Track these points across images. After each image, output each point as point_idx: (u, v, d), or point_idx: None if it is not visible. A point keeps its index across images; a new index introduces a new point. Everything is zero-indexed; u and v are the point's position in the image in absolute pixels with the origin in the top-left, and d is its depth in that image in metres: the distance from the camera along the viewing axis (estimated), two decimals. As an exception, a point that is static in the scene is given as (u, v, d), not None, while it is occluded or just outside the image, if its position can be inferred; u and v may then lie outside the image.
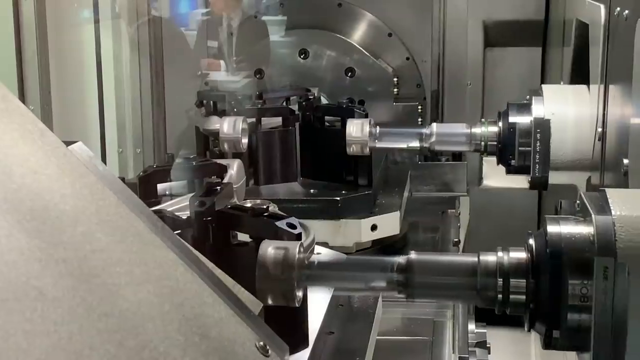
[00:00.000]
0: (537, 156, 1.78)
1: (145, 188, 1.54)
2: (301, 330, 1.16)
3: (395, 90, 2.75)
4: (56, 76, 2.47)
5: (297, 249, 1.05)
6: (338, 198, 1.99)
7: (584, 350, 0.96)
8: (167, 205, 1.38)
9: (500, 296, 1.02)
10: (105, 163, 2.37)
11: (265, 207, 1.16)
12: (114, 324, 0.70)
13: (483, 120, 1.96)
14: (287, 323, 1.05)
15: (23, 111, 0.81)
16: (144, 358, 0.71)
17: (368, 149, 2.02)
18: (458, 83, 2.78)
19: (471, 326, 1.77)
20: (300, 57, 2.74)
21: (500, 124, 1.89)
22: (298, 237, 1.10)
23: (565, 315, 0.96)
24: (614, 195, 0.98)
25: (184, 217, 1.20)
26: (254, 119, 2.12)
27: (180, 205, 1.33)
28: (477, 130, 1.95)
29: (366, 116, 2.08)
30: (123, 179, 1.43)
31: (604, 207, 0.96)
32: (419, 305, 1.74)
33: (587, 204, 0.98)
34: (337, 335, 1.32)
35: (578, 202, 1.02)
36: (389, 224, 2.02)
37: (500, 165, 1.92)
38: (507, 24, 2.81)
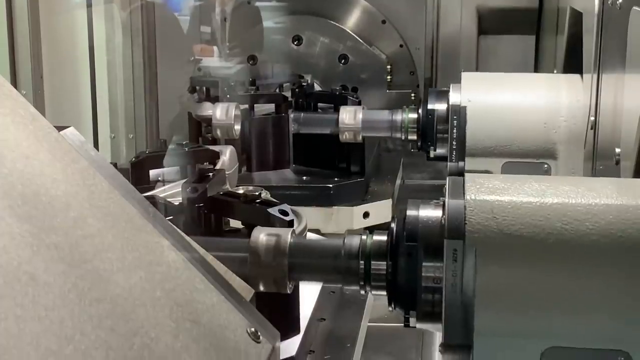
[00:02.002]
0: (454, 143, 1.78)
1: (138, 174, 1.54)
2: (292, 317, 1.16)
3: (389, 77, 2.75)
4: (48, 61, 2.46)
5: (289, 236, 1.05)
6: (330, 185, 1.99)
7: (440, 329, 0.97)
8: (159, 191, 1.38)
9: (362, 278, 1.05)
10: (97, 148, 2.37)
11: (257, 194, 1.16)
12: (105, 310, 0.70)
13: (405, 107, 1.97)
14: (278, 309, 1.06)
15: (15, 96, 0.81)
16: (135, 343, 0.71)
17: (361, 137, 2.02)
18: (451, 71, 2.78)
19: None
20: (293, 43, 2.74)
21: (420, 110, 1.89)
22: (290, 224, 1.10)
23: (420, 297, 0.99)
24: (471, 179, 1.00)
25: (176, 203, 1.20)
26: (247, 106, 2.12)
27: (173, 192, 1.33)
28: (398, 117, 1.94)
29: (359, 103, 2.08)
30: (115, 165, 1.43)
31: (460, 192, 0.98)
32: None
33: (447, 188, 0.99)
34: (328, 321, 1.33)
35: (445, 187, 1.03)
36: (381, 211, 2.02)
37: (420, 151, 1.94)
38: (501, 11, 2.80)
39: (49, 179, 0.75)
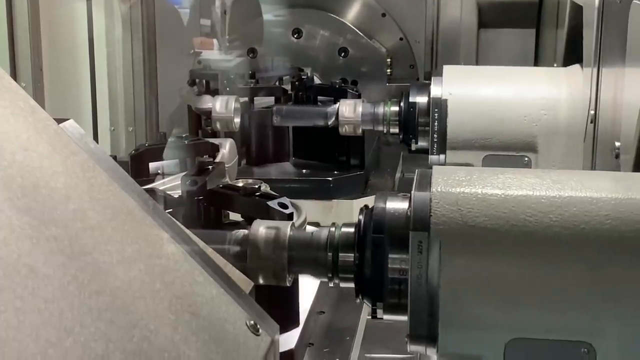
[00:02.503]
0: (435, 136, 1.78)
1: (137, 166, 1.54)
2: (292, 310, 1.16)
3: (389, 70, 2.75)
4: (48, 54, 2.46)
5: (289, 229, 1.05)
6: (330, 178, 1.99)
7: (406, 321, 0.98)
8: (159, 184, 1.38)
9: (330, 269, 1.06)
10: (97, 141, 2.37)
11: (257, 186, 1.16)
12: (105, 302, 0.70)
13: (387, 100, 1.97)
14: (278, 302, 1.06)
15: (14, 88, 0.81)
16: (135, 336, 0.71)
17: (360, 130, 2.02)
18: (451, 64, 2.78)
19: None
20: (293, 36, 2.73)
21: (402, 103, 1.89)
22: (290, 217, 1.10)
23: (387, 289, 0.99)
24: (438, 171, 1.01)
25: (176, 195, 1.20)
26: (246, 99, 2.12)
27: (172, 184, 1.33)
28: (380, 109, 1.95)
29: (359, 97, 2.08)
30: (115, 157, 1.43)
31: (427, 184, 0.98)
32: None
33: (414, 181, 1.00)
34: (328, 314, 1.33)
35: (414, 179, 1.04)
36: (380, 204, 2.02)
37: (402, 144, 1.95)
38: (501, 5, 2.80)
39: (48, 172, 0.75)
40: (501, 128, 1.77)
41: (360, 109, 2.00)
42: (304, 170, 2.09)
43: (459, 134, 1.77)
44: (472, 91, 1.83)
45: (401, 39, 2.76)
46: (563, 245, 0.92)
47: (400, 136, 1.92)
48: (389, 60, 2.74)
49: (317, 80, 2.54)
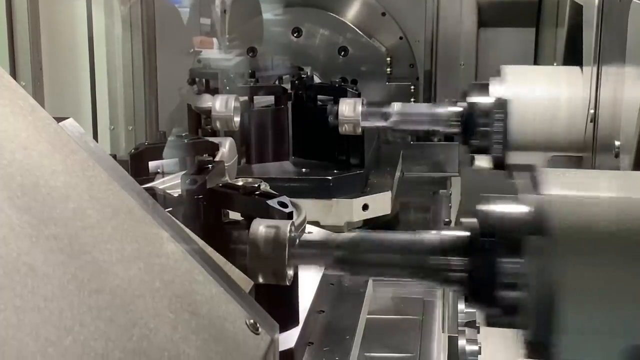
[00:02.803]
0: (496, 136, 1.79)
1: (137, 165, 1.54)
2: (292, 309, 1.16)
3: (389, 70, 2.75)
4: (48, 53, 2.46)
5: (289, 228, 1.05)
6: (330, 177, 1.99)
7: (521, 327, 0.96)
8: (158, 183, 1.38)
9: (440, 274, 1.02)
10: (96, 140, 2.37)
11: (256, 185, 1.16)
12: (105, 301, 0.70)
13: (446, 100, 1.97)
14: (277, 301, 1.06)
15: (14, 87, 0.80)
16: (134, 334, 0.71)
17: (360, 129, 2.02)
18: (451, 63, 2.78)
19: (461, 306, 1.78)
20: (293, 35, 2.73)
21: (463, 104, 1.88)
22: (289, 216, 1.10)
23: (500, 294, 0.96)
24: (548, 174, 0.99)
25: (176, 194, 1.19)
26: (246, 97, 2.12)
27: (172, 183, 1.33)
28: (441, 110, 1.93)
29: (359, 96, 2.08)
30: (115, 156, 1.43)
31: (538, 187, 0.96)
32: (410, 284, 1.74)
33: (524, 184, 0.98)
34: (327, 313, 1.33)
35: (518, 181, 1.02)
36: (380, 203, 2.02)
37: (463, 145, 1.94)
38: (501, 4, 2.80)
39: (48, 170, 0.75)
40: (565, 129, 1.76)
41: (359, 108, 2.00)
42: (303, 169, 2.08)
43: (521, 135, 1.76)
44: (534, 91, 1.83)
45: (401, 38, 2.76)
46: None
47: (460, 136, 1.90)
48: (388, 59, 2.74)
49: (317, 80, 2.54)
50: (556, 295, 0.90)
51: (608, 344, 0.92)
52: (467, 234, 1.00)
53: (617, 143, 1.36)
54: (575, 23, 1.92)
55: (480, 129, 1.82)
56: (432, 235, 1.04)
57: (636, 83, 1.30)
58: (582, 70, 1.82)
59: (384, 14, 2.76)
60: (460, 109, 1.88)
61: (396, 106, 1.97)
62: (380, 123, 2.00)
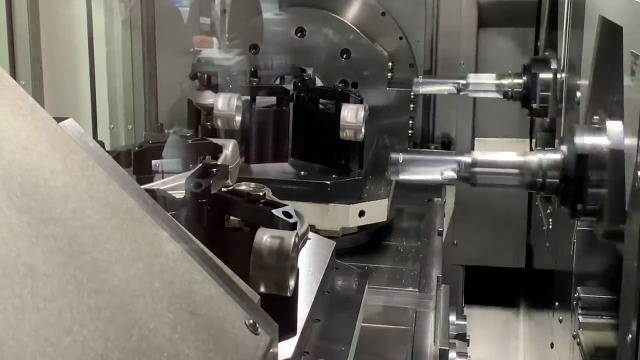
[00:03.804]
0: (553, 101, 2.17)
1: (140, 163, 1.53)
2: (290, 319, 1.16)
3: (389, 75, 2.74)
4: (47, 52, 2.46)
5: (293, 239, 1.05)
6: (328, 182, 1.98)
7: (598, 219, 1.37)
8: (159, 184, 1.38)
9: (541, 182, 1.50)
10: (96, 139, 2.36)
11: (262, 194, 1.15)
12: (104, 301, 0.70)
13: (510, 72, 2.39)
14: (277, 311, 1.05)
15: (13, 86, 0.81)
16: (134, 335, 0.71)
17: (362, 135, 2.02)
18: (451, 63, 2.78)
19: (452, 317, 1.78)
20: (296, 35, 2.73)
21: (525, 76, 2.32)
22: (293, 226, 1.09)
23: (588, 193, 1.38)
24: None
25: (178, 196, 1.19)
26: (248, 97, 2.12)
27: (174, 184, 1.33)
28: (505, 81, 2.37)
29: (361, 101, 2.08)
30: (118, 154, 1.43)
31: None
32: (402, 294, 1.75)
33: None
34: (323, 322, 1.32)
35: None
36: (376, 210, 2.02)
37: (523, 108, 2.39)
38: (500, 3, 2.80)
39: (47, 170, 0.75)
40: None
41: (362, 114, 2.01)
42: (302, 172, 2.08)
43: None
44: None
45: (401, 38, 2.76)
46: None
47: (522, 102, 2.36)
48: (390, 63, 2.73)
49: (318, 82, 2.52)
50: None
51: None
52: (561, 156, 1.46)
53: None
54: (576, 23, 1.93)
55: (540, 94, 2.25)
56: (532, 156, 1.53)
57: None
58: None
59: (383, 14, 2.76)
60: (521, 80, 2.33)
61: (471, 77, 2.43)
62: (452, 90, 2.44)
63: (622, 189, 1.21)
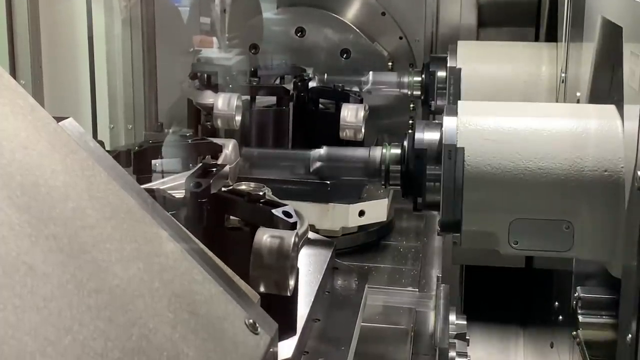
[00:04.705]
0: (451, 98, 2.13)
1: (140, 163, 1.53)
2: (290, 318, 1.16)
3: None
4: (47, 51, 2.46)
5: (293, 239, 1.05)
6: (328, 182, 1.98)
7: (433, 210, 1.44)
8: (159, 183, 1.38)
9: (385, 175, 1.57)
10: (96, 139, 2.36)
11: (261, 193, 1.15)
12: (104, 300, 0.70)
13: (410, 70, 2.48)
14: (277, 311, 1.05)
15: (13, 86, 0.81)
16: (134, 334, 0.71)
17: (362, 135, 2.02)
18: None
19: (452, 317, 1.78)
20: (296, 35, 2.73)
21: (424, 74, 2.39)
22: (293, 226, 1.09)
23: (426, 186, 1.44)
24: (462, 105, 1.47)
25: (177, 196, 1.19)
26: (248, 97, 2.11)
27: (174, 184, 1.33)
28: (405, 79, 2.43)
29: (361, 101, 2.08)
30: (118, 154, 1.43)
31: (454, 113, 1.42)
32: (402, 294, 1.75)
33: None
34: (322, 322, 1.32)
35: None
36: (376, 210, 2.02)
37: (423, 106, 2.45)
38: (500, 3, 2.80)
39: (47, 170, 0.75)
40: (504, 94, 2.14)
41: (362, 114, 2.01)
42: None
43: (470, 97, 2.06)
44: (481, 63, 2.25)
45: (401, 37, 2.76)
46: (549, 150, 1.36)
47: (422, 100, 2.43)
48: (390, 63, 2.73)
49: (318, 82, 2.52)
50: (462, 185, 1.35)
51: (499, 218, 1.37)
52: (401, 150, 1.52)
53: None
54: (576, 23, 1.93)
55: (437, 92, 2.30)
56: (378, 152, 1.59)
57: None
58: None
59: (383, 14, 2.76)
60: (420, 78, 2.40)
61: (371, 75, 2.45)
62: (355, 88, 2.38)
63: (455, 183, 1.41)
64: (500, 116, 1.43)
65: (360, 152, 1.71)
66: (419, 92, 2.42)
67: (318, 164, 1.75)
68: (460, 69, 2.16)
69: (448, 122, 1.40)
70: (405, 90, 2.43)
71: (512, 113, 1.45)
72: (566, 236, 1.35)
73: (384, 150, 1.64)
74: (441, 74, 2.29)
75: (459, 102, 1.50)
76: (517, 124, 1.40)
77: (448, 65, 2.21)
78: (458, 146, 1.36)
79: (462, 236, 1.39)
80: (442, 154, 1.37)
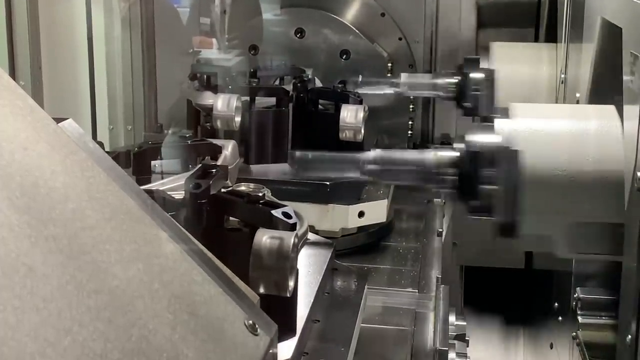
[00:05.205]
0: (485, 100, 2.18)
1: (140, 164, 1.53)
2: (290, 319, 1.15)
3: (389, 75, 2.74)
4: (47, 52, 2.46)
5: (292, 240, 1.04)
6: (327, 182, 1.98)
7: (491, 214, 1.38)
8: (158, 185, 1.38)
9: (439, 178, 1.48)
10: (95, 140, 2.36)
11: (261, 194, 1.15)
12: (104, 302, 0.70)
13: (444, 71, 2.43)
14: (277, 311, 1.05)
15: (13, 87, 0.81)
16: (133, 335, 0.71)
17: (361, 136, 2.02)
18: (450, 64, 2.78)
19: (451, 318, 1.78)
20: (296, 36, 2.73)
21: (458, 76, 2.33)
22: (293, 227, 1.09)
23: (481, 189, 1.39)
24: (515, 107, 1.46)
25: (177, 197, 1.19)
26: (247, 98, 2.11)
27: (173, 185, 1.33)
28: (439, 80, 2.37)
29: (360, 102, 2.08)
30: (117, 155, 1.43)
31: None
32: (402, 295, 1.75)
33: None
34: (322, 323, 1.32)
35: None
36: (376, 211, 2.02)
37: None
38: (500, 4, 2.80)
39: (47, 171, 0.75)
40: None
41: (361, 115, 2.01)
42: None
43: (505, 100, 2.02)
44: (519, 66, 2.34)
45: (400, 38, 2.76)
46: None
47: (456, 101, 2.36)
48: (389, 64, 2.73)
49: (318, 82, 2.52)
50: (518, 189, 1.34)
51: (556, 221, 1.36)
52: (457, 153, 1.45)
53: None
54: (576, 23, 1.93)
55: (471, 93, 2.26)
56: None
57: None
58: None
59: (383, 15, 2.76)
60: (455, 79, 2.33)
61: (403, 77, 2.41)
62: (389, 90, 2.42)
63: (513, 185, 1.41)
64: (553, 118, 1.43)
65: (412, 155, 1.65)
66: (452, 94, 2.38)
67: (370, 166, 1.71)
68: (493, 71, 2.19)
69: (503, 124, 1.40)
70: (440, 92, 2.40)
71: (563, 115, 1.45)
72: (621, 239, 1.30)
73: (437, 153, 1.58)
74: (474, 75, 2.28)
75: (511, 104, 1.48)
76: (570, 125, 1.40)
77: (484, 67, 2.27)
78: (516, 149, 1.35)
79: (520, 240, 1.38)
80: (498, 157, 1.36)
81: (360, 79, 2.47)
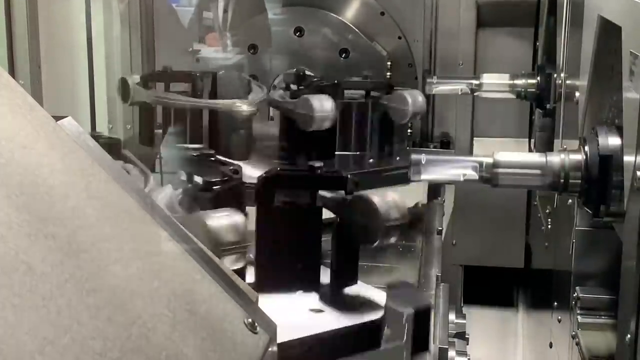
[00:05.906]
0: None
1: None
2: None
3: (388, 74, 2.74)
4: (46, 51, 2.46)
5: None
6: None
7: (617, 218, 1.36)
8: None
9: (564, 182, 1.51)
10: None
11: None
12: (103, 300, 0.70)
13: (523, 72, 2.46)
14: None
15: (12, 85, 0.80)
16: (133, 333, 0.71)
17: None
18: (450, 63, 2.78)
19: (451, 316, 1.78)
20: (295, 35, 2.73)
21: (539, 77, 2.36)
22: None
23: (611, 194, 1.38)
24: None
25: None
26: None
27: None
28: (519, 81, 2.43)
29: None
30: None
31: None
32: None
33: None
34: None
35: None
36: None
37: (538, 108, 2.41)
38: (499, 4, 2.80)
39: (46, 169, 0.75)
40: None
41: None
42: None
43: None
44: None
45: (400, 37, 2.76)
46: None
47: (536, 101, 2.46)
48: (389, 63, 2.73)
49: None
50: None
51: None
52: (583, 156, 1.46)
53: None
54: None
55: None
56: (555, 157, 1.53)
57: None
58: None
59: (382, 14, 2.76)
60: (534, 81, 2.40)
61: (484, 77, 2.50)
62: (466, 90, 2.51)
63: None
64: None
65: (535, 158, 1.61)
66: (532, 95, 2.42)
67: (493, 170, 1.64)
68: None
69: None
70: (521, 90, 2.44)
71: None
72: None
73: (562, 156, 1.53)
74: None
75: None
76: None
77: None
78: None
79: None
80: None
81: (434, 80, 2.56)
